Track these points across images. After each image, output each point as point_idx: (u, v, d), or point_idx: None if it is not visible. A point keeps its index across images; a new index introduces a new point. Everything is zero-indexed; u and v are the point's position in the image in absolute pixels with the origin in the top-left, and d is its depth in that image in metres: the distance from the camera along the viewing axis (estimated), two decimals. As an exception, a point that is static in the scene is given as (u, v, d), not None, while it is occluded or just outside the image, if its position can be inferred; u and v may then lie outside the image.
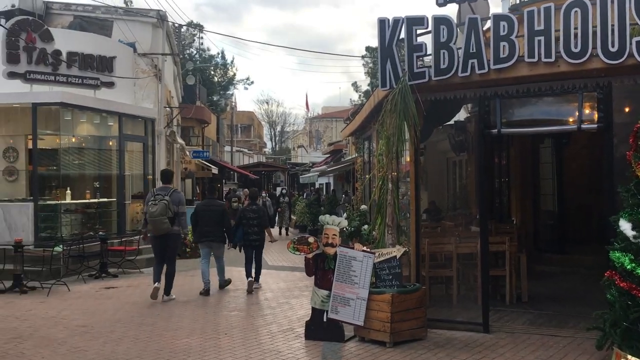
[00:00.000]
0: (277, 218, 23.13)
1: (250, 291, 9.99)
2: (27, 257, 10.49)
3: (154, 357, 6.21)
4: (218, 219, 10.01)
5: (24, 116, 12.49)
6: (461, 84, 6.90)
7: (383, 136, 7.24)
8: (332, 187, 32.88)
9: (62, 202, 12.53)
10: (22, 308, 8.79)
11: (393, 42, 7.09)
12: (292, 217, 24.16)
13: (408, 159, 7.60)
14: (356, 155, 16.09)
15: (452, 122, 9.74)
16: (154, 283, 9.24)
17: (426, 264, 8.19)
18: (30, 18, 12.96)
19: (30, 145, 12.75)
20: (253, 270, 10.36)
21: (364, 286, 6.66)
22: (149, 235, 9.52)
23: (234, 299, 9.55)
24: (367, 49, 42.66)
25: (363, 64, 44.86)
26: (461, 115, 10.55)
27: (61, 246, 10.73)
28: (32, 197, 12.28)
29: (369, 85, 40.30)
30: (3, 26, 12.14)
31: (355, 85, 49.01)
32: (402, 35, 7.00)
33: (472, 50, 6.65)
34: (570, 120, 7.06)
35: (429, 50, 6.92)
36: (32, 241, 11.53)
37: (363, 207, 12.13)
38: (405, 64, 7.01)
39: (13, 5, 15.16)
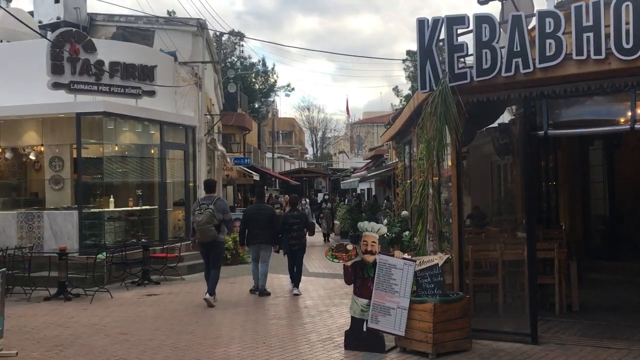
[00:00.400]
0: (320, 224, 22.83)
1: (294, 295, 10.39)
2: (71, 265, 10.64)
3: (192, 367, 6.15)
4: (267, 222, 10.39)
5: (69, 126, 12.73)
6: (505, 84, 6.63)
7: (423, 140, 7.03)
8: (373, 193, 32.64)
9: (106, 209, 12.71)
10: (65, 315, 8.89)
11: (433, 42, 6.88)
12: (336, 222, 23.66)
13: (450, 164, 7.36)
14: (397, 160, 15.84)
15: (495, 124, 9.45)
16: (208, 285, 9.63)
17: (470, 271, 7.90)
18: (74, 29, 13.23)
19: (75, 155, 13.00)
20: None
21: (405, 295, 6.45)
22: (197, 242, 9.81)
23: (274, 306, 9.45)
24: (408, 52, 42.33)
25: (404, 68, 44.58)
26: (505, 117, 10.23)
27: (104, 253, 10.85)
28: (77, 205, 12.50)
29: (410, 89, 39.94)
30: (47, 38, 12.41)
31: (396, 90, 48.71)
32: (442, 35, 6.79)
33: (517, 48, 6.38)
34: (622, 120, 6.70)
35: (471, 50, 6.68)
36: (77, 248, 11.71)
37: (404, 213, 11.89)
38: (445, 65, 6.79)
39: (59, 18, 15.57)
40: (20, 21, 11.12)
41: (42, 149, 13.65)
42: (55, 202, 13.25)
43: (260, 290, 10.34)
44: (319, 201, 39.52)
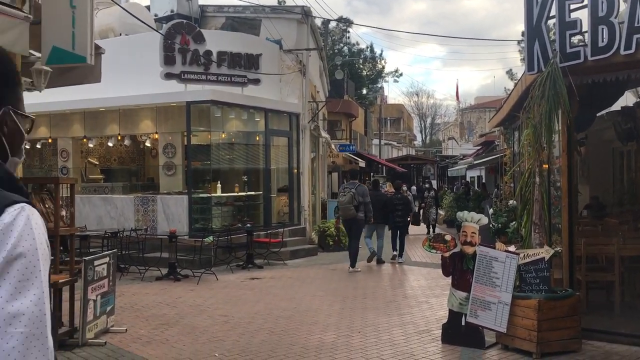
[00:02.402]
0: (423, 213, 21.14)
1: (393, 260, 12.91)
2: (181, 247, 11.17)
3: (286, 352, 6.19)
4: (382, 205, 12.63)
5: (180, 114, 13.31)
6: (624, 63, 6.01)
7: (530, 125, 6.56)
8: (483, 180, 31.48)
9: (214, 195, 13.20)
10: (174, 295, 9.33)
11: (542, 20, 6.41)
12: (440, 212, 22.05)
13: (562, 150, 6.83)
14: (505, 146, 15.08)
15: (618, 107, 8.69)
16: (350, 255, 11.90)
17: (582, 266, 7.32)
18: (184, 21, 13.78)
19: (185, 142, 13.59)
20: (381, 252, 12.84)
21: (507, 290, 6.08)
22: (340, 218, 12.42)
23: (372, 295, 9.34)
24: (523, 34, 40.18)
25: (519, 50, 42.28)
26: (629, 99, 9.39)
27: (211, 237, 11.27)
28: (187, 191, 13.08)
29: (523, 72, 37.91)
30: (159, 32, 13.00)
31: (510, 73, 46.31)
32: (553, 12, 6.29)
33: (638, 23, 5.76)
34: None
35: (585, 27, 6.13)
36: (186, 232, 12.26)
37: (511, 202, 11.28)
38: (556, 44, 6.28)
39: (172, 11, 16.31)
40: (136, 17, 11.74)
41: (157, 136, 14.39)
42: (168, 187, 13.95)
43: (377, 259, 12.56)
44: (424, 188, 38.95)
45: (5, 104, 1.28)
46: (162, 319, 7.70)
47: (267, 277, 11.04)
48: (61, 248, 7.31)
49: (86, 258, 6.49)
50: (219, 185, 13.34)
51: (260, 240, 12.90)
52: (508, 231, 9.32)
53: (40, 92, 6.56)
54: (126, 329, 7.00)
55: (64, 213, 6.50)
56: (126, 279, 10.64)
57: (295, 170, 15.27)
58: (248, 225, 12.85)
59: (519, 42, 41.33)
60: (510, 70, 47.85)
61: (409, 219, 13.81)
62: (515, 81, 44.18)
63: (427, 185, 23.33)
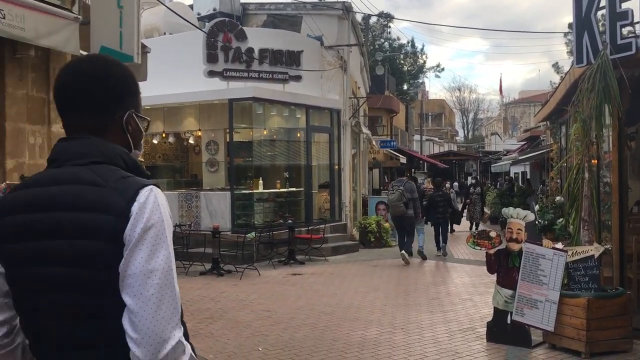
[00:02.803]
0: (468, 211, 20.32)
1: (439, 255, 13.29)
2: (223, 242, 11.31)
3: (329, 347, 6.21)
4: (447, 204, 13.89)
5: (222, 111, 13.48)
6: (678, 53, 5.80)
7: (578, 119, 6.38)
8: (527, 176, 30.84)
9: (255, 191, 13.32)
10: (217, 290, 9.47)
11: (591, 11, 6.23)
12: (485, 210, 20.60)
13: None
14: (552, 141, 14.73)
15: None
16: (400, 250, 12.20)
17: (633, 264, 7.09)
18: (227, 19, 13.94)
19: (227, 139, 13.76)
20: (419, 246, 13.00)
21: (555, 288, 5.94)
22: (390, 215, 12.98)
23: (415, 291, 9.28)
24: (570, 25, 39.05)
25: (566, 43, 41.24)
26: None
27: (254, 233, 11.39)
28: (229, 187, 13.24)
29: (571, 64, 36.94)
30: (202, 30, 13.18)
31: (556, 66, 45.25)
32: (603, 2, 6.10)
33: (693, 12, 5.55)
34: None
35: (636, 17, 5.93)
36: (229, 227, 12.42)
37: (558, 198, 11.01)
38: (606, 36, 6.10)
39: (215, 9, 16.53)
40: (180, 16, 11.94)
41: (200, 133, 14.61)
42: (210, 184, 14.15)
43: (420, 253, 12.80)
44: (468, 184, 38.35)
45: (129, 108, 1.63)
46: (206, 313, 7.82)
47: (308, 273, 11.08)
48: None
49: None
50: (260, 181, 13.46)
51: (302, 236, 12.96)
52: (555, 228, 9.10)
53: (89, 90, 6.72)
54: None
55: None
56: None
57: (337, 167, 15.28)
58: (289, 221, 12.92)
59: (565, 34, 40.32)
60: (556, 63, 46.74)
61: (448, 215, 14.21)
62: (562, 74, 42.98)
63: (472, 181, 22.10)
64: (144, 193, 1.47)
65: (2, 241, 1.51)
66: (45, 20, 5.26)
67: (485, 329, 6.51)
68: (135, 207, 1.44)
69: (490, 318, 6.60)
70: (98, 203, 1.45)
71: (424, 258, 12.70)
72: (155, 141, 15.71)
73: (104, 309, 1.44)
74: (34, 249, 1.48)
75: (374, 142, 23.32)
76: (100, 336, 1.45)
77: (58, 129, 6.27)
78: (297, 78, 13.94)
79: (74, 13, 5.74)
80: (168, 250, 1.47)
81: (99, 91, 1.57)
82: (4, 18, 4.81)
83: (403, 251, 12.01)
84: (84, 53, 6.39)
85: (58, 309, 1.47)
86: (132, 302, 1.41)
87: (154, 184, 1.51)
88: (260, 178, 13.48)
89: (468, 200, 20.21)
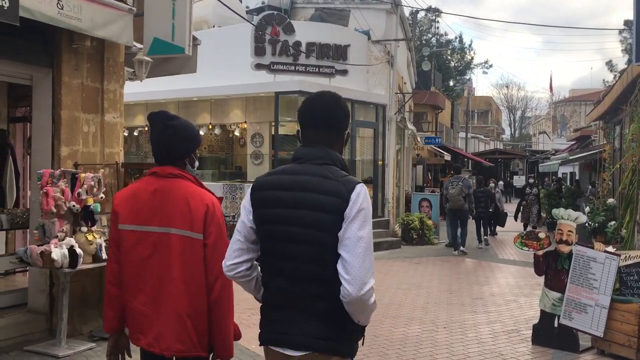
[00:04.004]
0: (522, 213, 18.54)
1: (480, 247, 14.46)
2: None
3: (370, 344, 6.17)
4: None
5: (268, 104, 13.56)
6: None
7: (636, 119, 6.16)
8: (576, 177, 30.04)
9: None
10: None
11: (653, 6, 5.97)
12: (542, 214, 18.14)
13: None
14: (605, 142, 14.27)
15: None
16: (451, 244, 13.64)
17: (690, 272, 6.81)
18: (275, 13, 14.00)
19: (272, 132, 13.83)
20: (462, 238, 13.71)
21: (606, 292, 5.76)
22: (448, 209, 13.45)
23: (458, 290, 9.15)
24: (626, 22, 37.72)
25: (620, 40, 39.93)
26: None
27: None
28: (273, 179, 13.27)
29: (626, 63, 35.71)
30: (252, 23, 13.28)
31: (609, 64, 43.86)
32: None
33: None
34: None
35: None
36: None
37: (610, 200, 10.66)
38: (668, 32, 5.86)
39: (263, 2, 16.63)
40: (230, 9, 12.03)
41: (245, 126, 14.74)
42: (255, 176, 14.16)
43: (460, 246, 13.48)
44: (523, 185, 37.48)
45: (347, 128, 2.48)
46: (250, 303, 7.88)
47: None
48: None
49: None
50: (304, 176, 13.45)
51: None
52: (607, 231, 8.80)
53: (141, 81, 6.87)
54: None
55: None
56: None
57: (380, 162, 15.19)
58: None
59: (620, 31, 39.05)
60: (610, 61, 45.23)
61: (490, 209, 15.30)
62: (616, 72, 41.68)
63: (530, 181, 19.59)
64: (358, 187, 2.25)
65: (259, 207, 2.35)
66: (101, 11, 5.38)
67: (531, 331, 6.37)
68: (353, 195, 2.22)
69: (536, 320, 6.46)
70: (331, 190, 2.24)
71: (464, 253, 13.36)
72: (201, 132, 15.93)
73: (326, 257, 2.22)
74: (282, 214, 2.29)
75: (418, 139, 23.10)
76: (322, 274, 2.24)
77: (110, 118, 6.42)
78: (344, 72, 13.89)
79: (128, 4, 5.84)
80: (370, 227, 2.23)
81: (333, 119, 2.41)
82: (62, 9, 4.94)
83: (462, 247, 13.31)
84: (137, 44, 6.52)
85: (298, 254, 2.26)
86: (346, 255, 2.17)
87: (361, 182, 2.31)
88: (304, 172, 13.49)
89: (523, 202, 18.53)
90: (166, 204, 2.71)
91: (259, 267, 2.44)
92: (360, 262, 2.15)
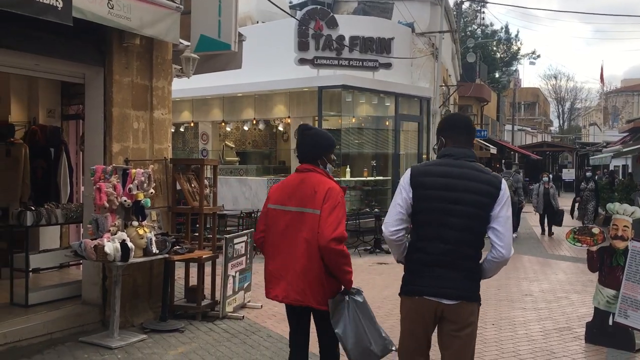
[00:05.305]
0: (578, 209, 16.82)
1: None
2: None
3: (417, 339, 6.12)
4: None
5: (312, 99, 13.57)
6: None
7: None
8: (629, 170, 29.05)
9: (342, 179, 13.34)
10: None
11: None
12: (600, 211, 16.08)
13: None
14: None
15: None
16: None
17: None
18: (319, 7, 13.98)
19: (316, 126, 13.82)
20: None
21: (664, 290, 5.55)
22: None
23: (506, 286, 8.97)
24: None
25: (675, 27, 38.36)
26: None
27: (340, 220, 11.40)
28: (317, 174, 13.30)
29: (682, 51, 34.23)
30: (295, 17, 13.30)
31: (663, 53, 42.21)
32: None
33: None
34: None
35: None
36: (316, 214, 12.50)
37: (667, 194, 10.26)
38: None
39: (306, -3, 16.63)
40: (274, 4, 12.08)
41: (289, 120, 14.80)
42: (298, 170, 14.29)
43: None
44: (562, 177, 36.44)
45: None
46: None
47: (394, 263, 10.80)
48: (207, 226, 7.76)
49: (227, 236, 6.83)
50: (347, 169, 13.45)
51: (389, 225, 12.85)
52: (665, 226, 8.46)
53: (188, 78, 6.97)
54: (261, 305, 7.30)
55: (207, 192, 6.87)
56: (259, 258, 11.05)
57: (425, 156, 15.04)
58: (376, 210, 12.86)
59: (676, 18, 37.43)
60: (665, 49, 43.42)
61: (522, 199, 15.30)
62: (671, 61, 39.79)
63: (588, 174, 17.29)
64: (503, 181, 3.16)
65: (419, 188, 3.14)
66: (149, 10, 5.48)
67: (584, 329, 6.20)
68: (502, 186, 3.12)
69: (589, 318, 6.28)
70: (488, 181, 3.12)
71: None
72: (245, 128, 16.07)
73: (477, 229, 3.12)
74: (448, 196, 3.09)
75: (463, 132, 22.73)
76: (474, 241, 3.15)
77: (159, 114, 6.54)
78: (387, 66, 13.79)
79: (175, 3, 5.93)
80: (511, 208, 3.15)
81: (472, 131, 3.41)
82: (112, 8, 5.05)
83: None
84: (184, 42, 6.61)
85: (460, 225, 3.09)
86: (500, 228, 3.08)
87: (503, 177, 3.26)
88: (348, 166, 13.48)
89: (578, 198, 16.69)
90: (300, 190, 3.59)
91: (411, 234, 3.26)
92: (509, 233, 3.11)
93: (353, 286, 3.68)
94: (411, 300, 3.22)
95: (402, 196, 3.16)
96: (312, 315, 3.72)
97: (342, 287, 3.64)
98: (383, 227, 3.25)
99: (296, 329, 3.78)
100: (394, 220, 3.17)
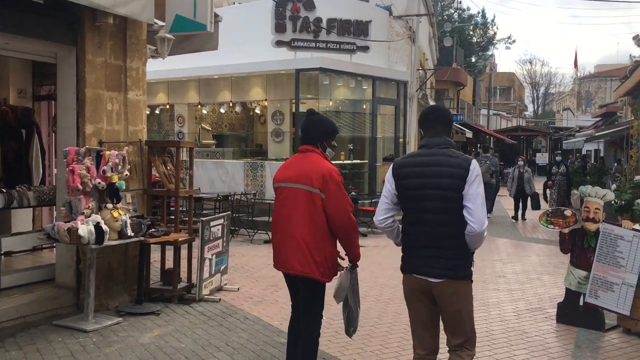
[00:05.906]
0: (549, 194, 15.83)
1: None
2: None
3: (393, 320, 6.20)
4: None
5: (289, 82, 13.50)
6: None
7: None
8: (601, 154, 29.58)
9: (320, 162, 13.32)
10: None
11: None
12: (574, 192, 14.01)
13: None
14: (632, 118, 13.97)
15: None
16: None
17: None
18: (296, -12, 13.84)
19: (293, 109, 13.79)
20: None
21: (633, 270, 5.69)
22: None
23: (481, 268, 9.09)
24: (655, -5, 36.74)
25: (648, 13, 38.89)
26: None
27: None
28: (294, 157, 13.28)
29: (654, 37, 34.74)
30: (272, -1, 13.18)
31: (637, 39, 42.80)
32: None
33: None
34: None
35: None
36: (293, 197, 12.50)
37: (638, 177, 10.47)
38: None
39: (283, -22, 16.42)
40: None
41: (266, 103, 14.72)
42: (275, 153, 14.27)
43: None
44: (537, 161, 36.87)
45: (452, 123, 3.89)
46: (271, 280, 7.94)
47: (371, 246, 11.07)
48: (181, 208, 7.71)
49: (203, 219, 6.79)
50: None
51: (365, 208, 12.92)
52: (635, 209, 8.64)
53: (163, 59, 6.87)
54: (238, 288, 7.30)
55: (183, 175, 6.81)
56: (236, 241, 11.07)
57: (402, 140, 15.11)
58: (353, 193, 12.89)
59: (649, 4, 37.91)
60: (637, 35, 44.04)
61: (499, 181, 16.70)
62: (643, 47, 40.51)
63: (557, 158, 16.55)
64: (473, 161, 3.35)
65: (401, 179, 3.45)
66: (123, -12, 5.36)
67: (556, 309, 6.33)
68: (471, 167, 3.30)
69: (560, 299, 6.41)
70: (457, 164, 3.32)
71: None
72: (222, 110, 15.95)
73: (453, 209, 3.31)
74: (424, 183, 3.36)
75: (440, 116, 22.85)
76: (452, 220, 3.32)
77: (134, 96, 6.44)
78: (365, 49, 13.76)
79: (150, -19, 5.81)
80: (483, 186, 3.34)
81: (445, 120, 3.57)
82: (84, -14, 4.93)
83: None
84: (159, 22, 6.50)
85: (435, 209, 3.34)
86: (471, 205, 3.26)
87: (473, 159, 3.41)
88: (325, 149, 13.47)
89: (550, 182, 15.76)
90: (298, 168, 3.93)
91: (401, 220, 3.57)
92: (480, 209, 3.28)
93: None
94: (406, 278, 3.58)
95: (386, 188, 3.53)
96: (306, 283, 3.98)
97: (347, 261, 4.08)
98: (374, 217, 3.63)
99: (295, 296, 4.14)
100: (381, 210, 3.55)
